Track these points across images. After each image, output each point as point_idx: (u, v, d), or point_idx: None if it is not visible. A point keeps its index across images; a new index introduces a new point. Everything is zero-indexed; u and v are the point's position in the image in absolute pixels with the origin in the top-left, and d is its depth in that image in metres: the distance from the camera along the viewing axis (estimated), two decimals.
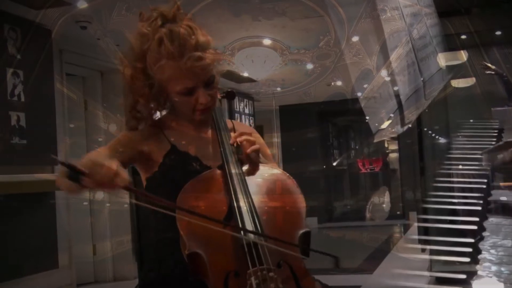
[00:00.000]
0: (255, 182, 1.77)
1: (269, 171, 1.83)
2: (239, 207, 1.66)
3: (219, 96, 1.95)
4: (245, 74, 6.59)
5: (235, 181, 1.72)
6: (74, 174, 1.50)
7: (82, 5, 4.66)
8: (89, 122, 6.08)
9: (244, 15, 5.24)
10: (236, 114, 8.50)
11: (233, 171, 1.75)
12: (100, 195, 5.86)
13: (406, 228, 9.59)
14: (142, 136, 1.87)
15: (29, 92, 4.81)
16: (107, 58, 5.72)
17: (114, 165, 1.54)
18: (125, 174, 1.55)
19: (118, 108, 6.22)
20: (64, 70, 5.50)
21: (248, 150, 1.80)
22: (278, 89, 8.39)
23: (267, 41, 6.07)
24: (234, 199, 1.68)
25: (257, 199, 1.71)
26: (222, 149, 1.82)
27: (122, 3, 4.53)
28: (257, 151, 1.82)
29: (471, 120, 5.61)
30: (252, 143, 1.82)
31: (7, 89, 4.62)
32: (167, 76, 1.77)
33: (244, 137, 1.83)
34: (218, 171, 1.78)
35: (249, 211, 1.66)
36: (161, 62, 1.75)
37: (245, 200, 1.68)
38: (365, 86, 7.20)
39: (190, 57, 1.73)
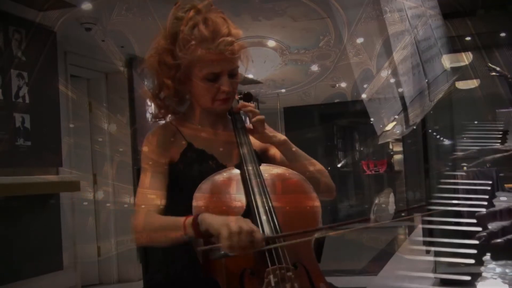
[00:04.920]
0: (273, 183, 1.79)
1: (287, 172, 1.84)
2: (257, 207, 1.68)
3: (236, 97, 1.97)
4: (250, 76, 6.57)
5: (253, 181, 1.74)
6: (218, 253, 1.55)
7: (86, 6, 4.65)
8: (93, 124, 6.08)
9: (244, 15, 5.23)
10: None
11: (251, 171, 1.77)
12: (100, 194, 5.86)
13: (411, 229, 9.56)
14: (162, 148, 1.86)
15: (34, 94, 4.82)
16: (111, 60, 5.71)
17: (247, 224, 1.56)
18: (257, 229, 1.58)
19: (121, 109, 6.22)
20: (69, 71, 5.51)
21: (253, 119, 1.87)
22: (283, 90, 8.37)
23: (267, 41, 6.05)
24: (252, 198, 1.69)
25: (274, 199, 1.72)
26: (240, 149, 1.84)
27: (122, 3, 4.53)
28: (261, 121, 1.88)
29: (476, 122, 5.58)
30: (256, 114, 1.88)
31: (12, 91, 4.62)
32: (196, 58, 1.78)
33: (249, 108, 1.89)
34: (236, 170, 1.79)
35: (267, 211, 1.67)
36: (192, 43, 1.78)
37: (263, 200, 1.69)
38: (365, 86, 7.17)
39: (223, 41, 1.77)
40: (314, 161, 1.95)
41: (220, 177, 1.76)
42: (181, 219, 1.64)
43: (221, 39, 1.77)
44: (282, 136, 1.93)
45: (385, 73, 6.20)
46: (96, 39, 5.24)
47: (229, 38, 1.79)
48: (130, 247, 5.86)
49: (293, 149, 1.93)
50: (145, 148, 1.88)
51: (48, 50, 5.01)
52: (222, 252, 1.52)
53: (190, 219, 1.62)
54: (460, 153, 5.17)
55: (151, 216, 1.74)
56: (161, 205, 1.78)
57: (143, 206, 1.77)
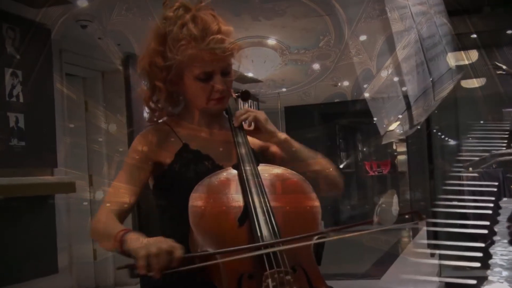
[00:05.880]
0: (271, 183, 1.76)
1: (286, 172, 1.82)
2: (255, 208, 1.65)
3: (234, 95, 1.94)
4: (249, 75, 6.57)
5: (251, 182, 1.72)
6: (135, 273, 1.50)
7: (82, 4, 4.61)
8: (89, 123, 6.04)
9: (244, 15, 5.25)
10: None
11: (249, 171, 1.74)
12: (100, 194, 5.82)
13: (415, 232, 9.50)
14: (153, 145, 1.86)
15: (28, 93, 4.76)
16: (108, 59, 5.68)
17: (165, 244, 1.51)
18: (177, 247, 1.52)
19: (118, 109, 6.16)
20: (64, 70, 5.47)
21: (245, 126, 1.87)
22: (284, 89, 8.39)
23: (267, 41, 6.06)
24: (250, 200, 1.67)
25: (273, 199, 1.70)
26: (237, 149, 1.81)
27: (122, 3, 4.51)
28: (253, 119, 1.84)
29: (481, 122, 5.54)
30: (246, 118, 1.85)
31: (6, 90, 4.56)
32: (187, 58, 1.76)
33: (240, 119, 1.85)
34: (233, 171, 1.77)
35: (265, 212, 1.65)
36: (182, 43, 1.75)
37: (262, 201, 1.67)
38: (365, 86, 7.16)
39: (212, 39, 1.74)
40: (318, 158, 1.94)
41: (217, 177, 1.73)
42: (117, 230, 1.64)
43: (211, 37, 1.75)
44: (282, 135, 1.90)
45: (386, 72, 6.17)
46: (94, 37, 5.20)
47: (219, 36, 1.76)
48: None
49: (294, 148, 1.90)
50: (132, 145, 1.88)
51: (43, 48, 4.95)
52: (137, 271, 1.48)
53: (120, 234, 1.62)
54: (473, 158, 5.11)
55: (105, 216, 1.76)
56: (129, 202, 1.79)
57: (108, 204, 1.79)
